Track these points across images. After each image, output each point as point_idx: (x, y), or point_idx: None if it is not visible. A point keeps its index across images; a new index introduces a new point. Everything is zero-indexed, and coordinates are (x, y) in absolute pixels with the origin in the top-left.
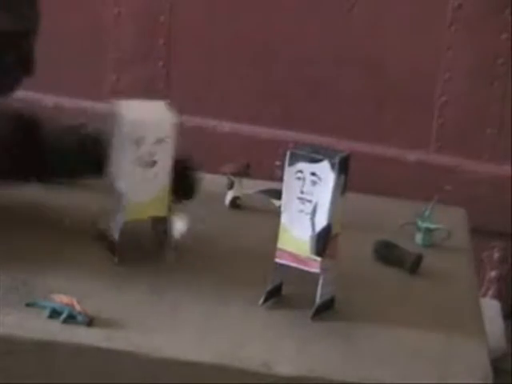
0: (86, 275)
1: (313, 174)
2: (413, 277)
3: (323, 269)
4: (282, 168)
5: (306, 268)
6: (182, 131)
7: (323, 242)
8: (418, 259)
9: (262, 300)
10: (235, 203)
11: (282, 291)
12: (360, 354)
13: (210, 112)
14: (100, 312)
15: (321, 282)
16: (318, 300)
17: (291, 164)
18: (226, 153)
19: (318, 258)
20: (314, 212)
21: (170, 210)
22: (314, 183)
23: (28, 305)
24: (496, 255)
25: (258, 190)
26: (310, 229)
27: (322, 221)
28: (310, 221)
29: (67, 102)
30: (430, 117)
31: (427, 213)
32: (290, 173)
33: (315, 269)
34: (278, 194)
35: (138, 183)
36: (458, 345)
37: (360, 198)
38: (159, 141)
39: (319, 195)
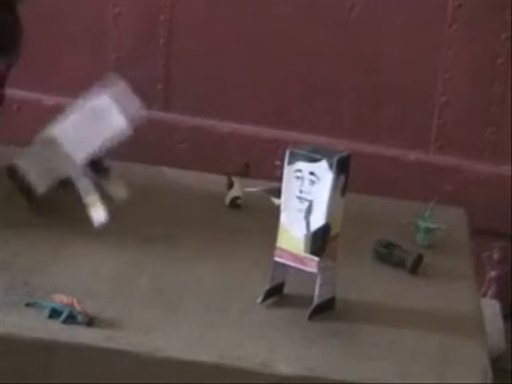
0: (86, 275)
1: (311, 173)
2: (413, 277)
3: (321, 268)
4: (281, 168)
5: (303, 267)
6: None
7: (320, 241)
8: (418, 259)
9: (260, 298)
10: (235, 203)
11: (284, 291)
12: (360, 354)
13: (210, 112)
14: (100, 312)
15: (318, 281)
16: (315, 300)
17: (290, 163)
18: (226, 153)
19: (316, 258)
20: (308, 211)
21: None
22: (312, 182)
23: (28, 305)
24: (496, 255)
25: (261, 189)
26: (305, 228)
27: (319, 220)
28: (305, 220)
29: (67, 102)
30: (430, 117)
31: (427, 213)
32: (289, 172)
33: (312, 268)
34: (280, 193)
35: None
36: (457, 345)
37: (360, 198)
38: None
39: (317, 194)
